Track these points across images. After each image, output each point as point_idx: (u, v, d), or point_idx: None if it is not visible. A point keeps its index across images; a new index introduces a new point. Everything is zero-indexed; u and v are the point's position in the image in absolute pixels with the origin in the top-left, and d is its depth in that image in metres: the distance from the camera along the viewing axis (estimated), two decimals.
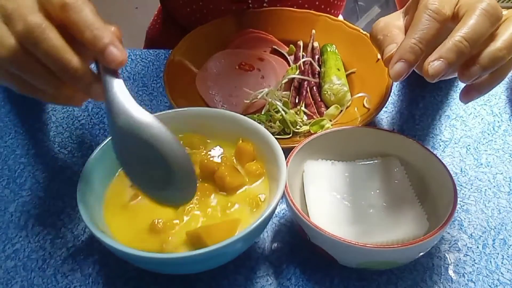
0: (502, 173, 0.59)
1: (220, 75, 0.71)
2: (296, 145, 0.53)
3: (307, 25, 0.77)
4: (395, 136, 0.54)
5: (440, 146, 0.63)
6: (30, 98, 0.44)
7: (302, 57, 0.73)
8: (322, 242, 0.45)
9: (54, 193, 0.57)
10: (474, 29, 0.42)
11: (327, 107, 0.67)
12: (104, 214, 0.48)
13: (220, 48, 0.75)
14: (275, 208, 0.45)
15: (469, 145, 0.63)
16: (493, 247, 0.52)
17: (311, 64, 0.72)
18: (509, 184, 0.58)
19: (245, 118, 0.53)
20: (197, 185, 0.50)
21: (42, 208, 0.55)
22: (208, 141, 0.55)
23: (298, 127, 0.63)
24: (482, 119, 0.67)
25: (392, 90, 0.65)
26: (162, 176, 0.41)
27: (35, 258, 0.51)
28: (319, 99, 0.68)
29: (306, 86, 0.69)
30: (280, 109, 0.63)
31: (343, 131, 0.55)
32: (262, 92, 0.64)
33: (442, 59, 0.42)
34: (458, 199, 0.52)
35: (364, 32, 0.73)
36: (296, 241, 0.52)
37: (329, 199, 0.51)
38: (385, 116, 0.67)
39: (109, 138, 0.50)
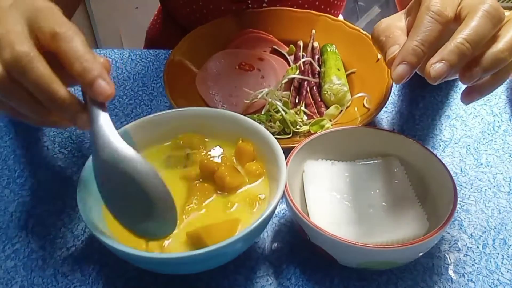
0: (502, 173, 0.59)
1: (220, 75, 0.71)
2: (296, 145, 0.53)
3: (307, 25, 0.77)
4: (395, 136, 0.54)
5: (440, 146, 0.63)
6: None
7: (302, 57, 0.73)
8: (322, 242, 0.45)
9: (54, 193, 0.57)
10: (476, 31, 0.42)
11: (327, 107, 0.67)
12: (104, 214, 0.48)
13: (220, 48, 0.75)
14: (275, 208, 0.45)
15: (469, 145, 0.63)
16: (493, 247, 0.52)
17: (311, 64, 0.72)
18: (509, 184, 0.58)
19: (245, 118, 0.53)
20: (198, 185, 0.50)
21: (42, 208, 0.55)
22: (208, 141, 0.55)
23: (298, 127, 0.63)
24: (482, 119, 0.67)
25: (392, 90, 0.65)
26: (143, 209, 0.42)
27: (35, 258, 0.51)
28: (319, 99, 0.68)
29: (306, 86, 0.69)
30: (280, 109, 0.63)
31: (343, 131, 0.55)
32: (262, 92, 0.64)
33: (444, 61, 0.42)
34: (458, 199, 0.52)
35: (364, 32, 0.73)
36: (296, 241, 0.52)
37: (329, 199, 0.51)
38: (385, 116, 0.67)
39: None
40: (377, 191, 0.52)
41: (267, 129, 0.55)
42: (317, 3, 0.86)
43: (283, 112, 0.62)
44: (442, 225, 0.44)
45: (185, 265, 0.44)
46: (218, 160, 0.53)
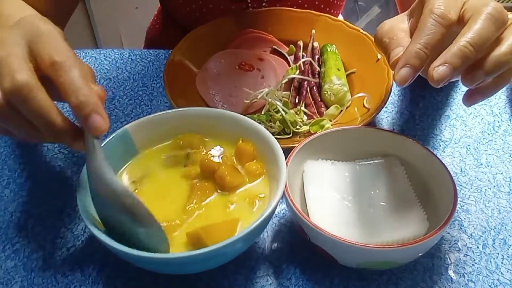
0: (502, 173, 0.59)
1: (220, 75, 0.71)
2: (296, 145, 0.53)
3: (307, 25, 0.77)
4: (395, 136, 0.54)
5: (440, 146, 0.63)
6: None
7: (302, 57, 0.73)
8: (322, 242, 0.45)
9: (54, 193, 0.57)
10: (479, 33, 0.42)
11: (327, 107, 0.67)
12: None
13: (220, 48, 0.75)
14: (275, 208, 0.45)
15: (469, 145, 0.63)
16: (493, 247, 0.52)
17: (311, 64, 0.72)
18: (509, 184, 0.58)
19: (245, 118, 0.53)
20: (199, 184, 0.50)
21: (42, 208, 0.55)
22: (208, 140, 0.55)
23: (298, 127, 0.63)
24: (482, 119, 0.67)
25: (392, 90, 0.65)
26: (135, 234, 0.43)
27: (35, 258, 0.51)
28: (319, 99, 0.68)
29: (306, 86, 0.69)
30: (280, 109, 0.63)
31: (343, 131, 0.55)
32: (262, 92, 0.64)
33: (447, 64, 0.42)
34: (458, 199, 0.52)
35: (364, 32, 0.73)
36: (296, 241, 0.52)
37: (329, 199, 0.51)
38: (385, 116, 0.67)
39: (108, 139, 0.51)
40: (377, 191, 0.52)
41: (267, 129, 0.55)
42: (317, 3, 0.86)
43: (283, 112, 0.62)
44: (442, 225, 0.44)
45: (185, 265, 0.44)
46: (218, 159, 0.53)
